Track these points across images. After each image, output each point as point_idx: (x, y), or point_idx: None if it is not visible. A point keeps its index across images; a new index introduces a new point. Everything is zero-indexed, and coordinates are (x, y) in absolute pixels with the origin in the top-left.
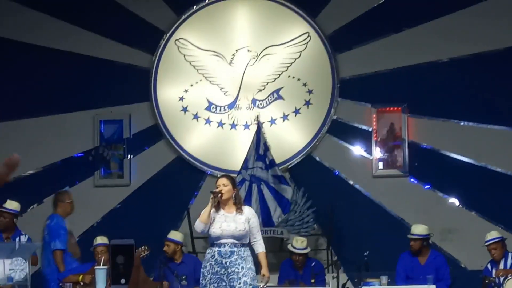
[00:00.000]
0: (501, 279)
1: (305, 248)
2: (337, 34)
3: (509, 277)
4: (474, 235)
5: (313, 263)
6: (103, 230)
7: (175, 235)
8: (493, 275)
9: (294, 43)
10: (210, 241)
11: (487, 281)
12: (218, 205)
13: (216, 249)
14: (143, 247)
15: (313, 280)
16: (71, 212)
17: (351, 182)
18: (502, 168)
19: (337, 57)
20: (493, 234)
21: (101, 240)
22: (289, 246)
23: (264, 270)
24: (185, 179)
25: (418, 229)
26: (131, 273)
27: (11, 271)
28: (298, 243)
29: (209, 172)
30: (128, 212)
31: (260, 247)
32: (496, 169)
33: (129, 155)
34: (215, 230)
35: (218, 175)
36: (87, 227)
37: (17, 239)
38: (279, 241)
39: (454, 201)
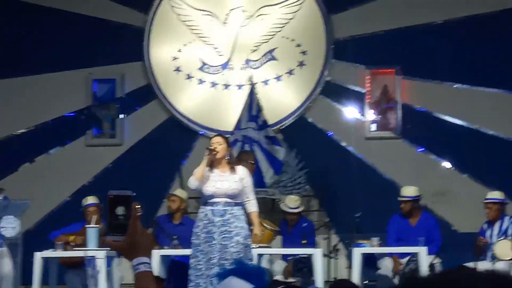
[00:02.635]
0: (494, 239)
1: (298, 207)
2: None
3: (501, 238)
4: (466, 197)
5: (305, 223)
6: (95, 189)
7: (181, 192)
8: (486, 235)
9: (288, 3)
10: (203, 200)
11: (481, 243)
12: (211, 164)
13: (209, 208)
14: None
15: (304, 241)
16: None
17: (343, 144)
18: (494, 131)
19: (331, 18)
20: (495, 194)
21: (92, 200)
22: (282, 206)
23: (256, 229)
24: (178, 139)
25: (408, 191)
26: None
27: (3, 228)
28: (292, 202)
29: (201, 133)
30: (120, 172)
31: (253, 206)
32: (488, 132)
33: (121, 115)
34: (208, 188)
35: (211, 136)
36: (79, 187)
37: None
38: (271, 202)
39: (447, 163)
